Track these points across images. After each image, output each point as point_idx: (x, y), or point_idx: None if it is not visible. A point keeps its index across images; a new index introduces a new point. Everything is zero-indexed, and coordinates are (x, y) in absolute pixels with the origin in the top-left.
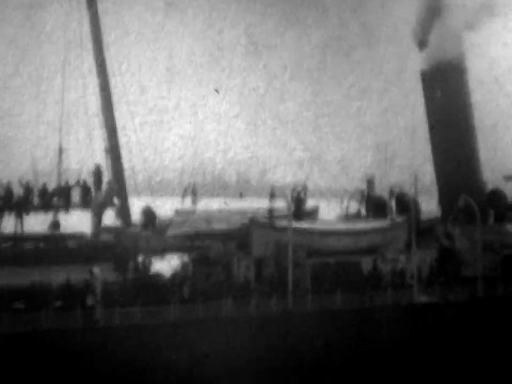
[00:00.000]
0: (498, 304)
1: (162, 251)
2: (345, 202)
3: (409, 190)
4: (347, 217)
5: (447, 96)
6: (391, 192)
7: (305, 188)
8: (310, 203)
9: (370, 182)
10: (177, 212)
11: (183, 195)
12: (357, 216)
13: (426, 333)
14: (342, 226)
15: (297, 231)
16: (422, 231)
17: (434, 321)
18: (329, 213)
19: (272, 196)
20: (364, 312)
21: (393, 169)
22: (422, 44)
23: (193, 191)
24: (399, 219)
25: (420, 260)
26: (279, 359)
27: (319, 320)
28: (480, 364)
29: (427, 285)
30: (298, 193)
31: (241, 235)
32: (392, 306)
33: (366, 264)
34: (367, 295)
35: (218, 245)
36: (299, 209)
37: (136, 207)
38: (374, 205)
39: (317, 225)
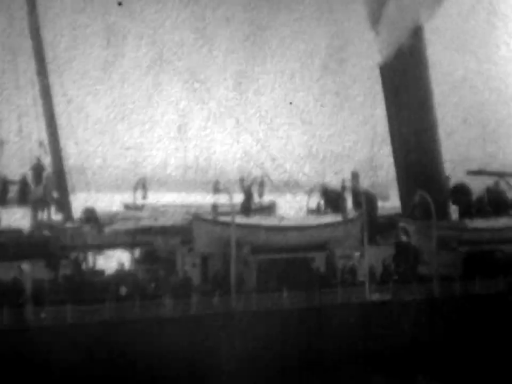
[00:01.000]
0: (453, 305)
1: (101, 247)
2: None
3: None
4: (309, 212)
5: (406, 88)
6: (343, 187)
7: (261, 182)
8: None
9: (354, 176)
10: (126, 207)
11: (134, 189)
12: (317, 211)
13: (375, 332)
14: (291, 221)
15: (242, 226)
16: (381, 227)
17: (384, 320)
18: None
19: (216, 190)
20: (311, 311)
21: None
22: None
23: (143, 185)
24: (351, 214)
25: (376, 257)
26: (215, 361)
27: (262, 319)
28: (430, 366)
29: (381, 283)
30: (248, 187)
31: (185, 231)
32: (342, 305)
33: (319, 261)
34: (317, 293)
35: (162, 240)
36: (248, 204)
37: (84, 202)
38: (334, 200)
39: (263, 221)
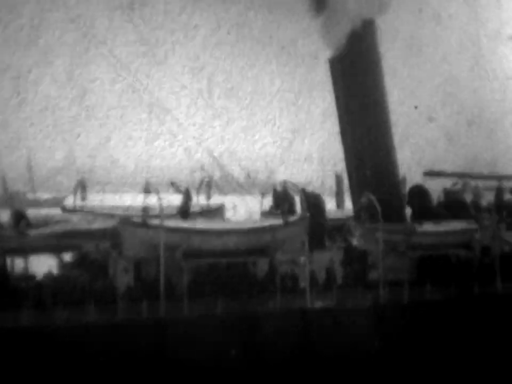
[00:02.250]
0: (399, 311)
1: (23, 251)
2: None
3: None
4: (262, 214)
5: (357, 84)
6: (285, 189)
7: (209, 183)
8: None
9: (338, 177)
10: (63, 209)
11: (74, 191)
12: (269, 213)
13: (314, 340)
14: (233, 225)
15: (173, 230)
16: (332, 231)
17: (325, 328)
18: None
19: (146, 191)
20: (245, 319)
21: None
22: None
23: (83, 186)
24: (294, 217)
25: (324, 262)
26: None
27: (191, 327)
28: (371, 376)
29: (325, 289)
30: (187, 189)
31: (115, 234)
32: (280, 312)
33: (262, 266)
34: (253, 300)
35: (92, 244)
36: (186, 206)
37: None
38: (286, 202)
39: (199, 224)
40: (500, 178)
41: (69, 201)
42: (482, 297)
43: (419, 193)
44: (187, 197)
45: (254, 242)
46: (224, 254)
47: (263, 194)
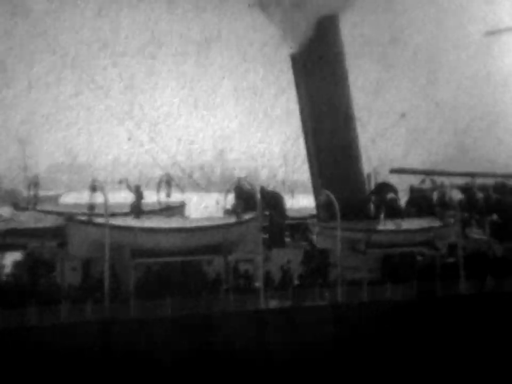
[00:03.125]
0: (356, 310)
1: None
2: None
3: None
4: (225, 212)
5: (320, 80)
6: (238, 187)
7: (168, 182)
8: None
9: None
10: (15, 207)
11: (28, 188)
12: (231, 212)
13: (268, 340)
14: (180, 223)
15: (119, 228)
16: (291, 229)
17: (279, 327)
18: None
19: (93, 189)
20: (195, 319)
21: None
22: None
23: (34, 185)
24: (247, 216)
25: (283, 261)
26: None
27: (137, 327)
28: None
29: (282, 288)
30: (137, 187)
31: (61, 233)
32: (234, 312)
33: (217, 265)
34: (205, 299)
35: (38, 243)
36: (139, 205)
37: None
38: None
39: (147, 223)
40: (469, 175)
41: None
42: (443, 297)
43: (385, 190)
44: (138, 195)
45: (206, 241)
46: (175, 252)
47: (227, 193)
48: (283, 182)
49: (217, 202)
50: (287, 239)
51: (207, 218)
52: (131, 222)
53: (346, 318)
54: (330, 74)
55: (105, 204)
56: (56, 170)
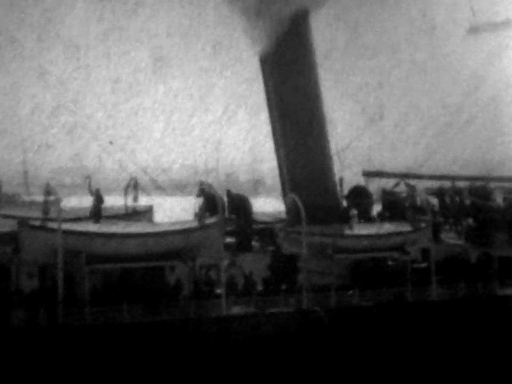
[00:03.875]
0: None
1: None
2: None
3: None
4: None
5: (289, 81)
6: (202, 189)
7: (135, 184)
8: None
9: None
10: None
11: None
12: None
13: (230, 348)
14: (140, 228)
15: (74, 234)
16: (262, 234)
17: (241, 335)
18: None
19: (48, 193)
20: (153, 327)
21: None
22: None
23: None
24: (210, 220)
25: (249, 266)
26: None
27: (93, 336)
28: None
29: (245, 294)
30: (97, 191)
31: (14, 238)
32: (193, 319)
33: (180, 271)
34: (164, 307)
35: None
36: (98, 209)
37: None
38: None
39: (104, 228)
40: (444, 178)
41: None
42: (414, 304)
43: (359, 194)
44: (98, 199)
45: (165, 246)
46: (133, 258)
47: (197, 196)
48: (254, 185)
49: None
50: (257, 244)
51: (170, 223)
52: (88, 227)
53: (312, 325)
54: (300, 74)
55: (58, 209)
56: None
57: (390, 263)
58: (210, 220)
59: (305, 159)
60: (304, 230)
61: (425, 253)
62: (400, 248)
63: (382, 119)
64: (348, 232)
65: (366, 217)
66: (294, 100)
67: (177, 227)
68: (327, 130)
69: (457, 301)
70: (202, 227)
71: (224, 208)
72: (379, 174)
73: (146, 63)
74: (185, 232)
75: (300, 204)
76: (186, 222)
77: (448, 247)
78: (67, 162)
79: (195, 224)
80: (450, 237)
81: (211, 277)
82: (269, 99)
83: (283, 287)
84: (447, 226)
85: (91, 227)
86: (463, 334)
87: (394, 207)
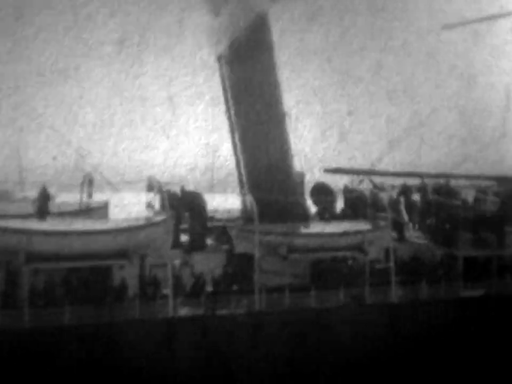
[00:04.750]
0: (276, 319)
1: None
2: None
3: None
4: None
5: (247, 79)
6: (150, 186)
7: (90, 181)
8: None
9: None
10: None
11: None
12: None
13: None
14: (87, 225)
15: (14, 231)
16: (217, 232)
17: (187, 337)
18: None
19: None
20: (96, 328)
21: None
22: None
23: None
24: (157, 217)
25: (204, 266)
26: None
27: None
28: None
29: (194, 294)
30: (44, 189)
31: None
32: (139, 320)
33: (130, 270)
34: (108, 308)
35: None
36: (44, 206)
37: None
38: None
39: (46, 225)
40: (410, 175)
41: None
42: (372, 306)
43: (322, 191)
44: (44, 196)
45: (110, 244)
46: (77, 257)
47: (147, 192)
48: (211, 182)
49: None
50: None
51: (121, 220)
52: (30, 224)
53: (264, 327)
54: (259, 73)
55: None
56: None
57: (350, 263)
58: (158, 218)
59: (264, 156)
60: (257, 229)
61: (393, 252)
62: (359, 247)
63: (350, 115)
64: (303, 230)
65: (328, 215)
66: (252, 97)
67: (123, 224)
68: (287, 128)
69: (418, 303)
70: (148, 225)
71: (174, 205)
72: (340, 171)
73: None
74: (130, 230)
75: (253, 201)
76: (137, 219)
77: (413, 247)
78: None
79: (142, 221)
80: (416, 236)
81: (156, 277)
82: (226, 96)
83: (236, 288)
84: (413, 225)
85: (35, 224)
86: (422, 337)
87: (355, 205)
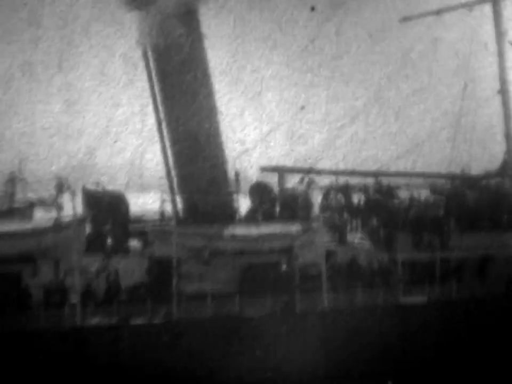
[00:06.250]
0: (197, 328)
1: None
2: None
3: None
4: None
5: (177, 75)
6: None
7: (13, 179)
8: None
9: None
10: None
11: None
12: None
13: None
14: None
15: None
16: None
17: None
18: None
19: None
20: None
21: None
22: None
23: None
24: (68, 219)
25: (123, 271)
26: None
27: None
28: None
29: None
30: None
31: None
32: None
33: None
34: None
35: None
36: None
37: None
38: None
39: None
40: (354, 174)
41: None
42: (302, 314)
43: (261, 190)
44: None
45: (12, 249)
46: None
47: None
48: (140, 181)
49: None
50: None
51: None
52: None
53: (182, 336)
54: (188, 70)
55: None
56: None
57: (283, 268)
58: (68, 220)
59: (193, 154)
60: (176, 231)
61: (329, 256)
62: (288, 251)
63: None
64: (227, 233)
65: (263, 216)
66: (180, 92)
67: (25, 227)
68: (219, 124)
69: (352, 310)
70: (54, 227)
71: (93, 206)
72: (277, 170)
73: None
74: (34, 233)
75: (172, 202)
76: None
77: (352, 250)
78: None
79: (47, 224)
80: (358, 239)
81: (64, 283)
82: (153, 92)
83: (154, 295)
84: (355, 227)
85: None
86: (354, 346)
87: (288, 206)
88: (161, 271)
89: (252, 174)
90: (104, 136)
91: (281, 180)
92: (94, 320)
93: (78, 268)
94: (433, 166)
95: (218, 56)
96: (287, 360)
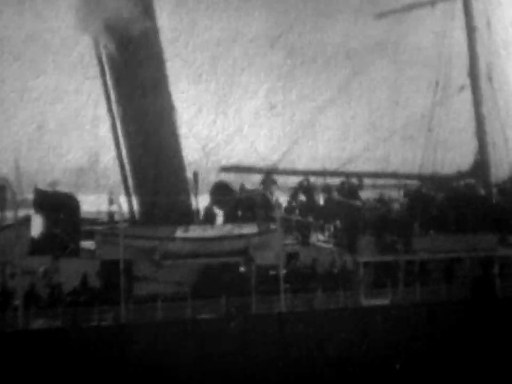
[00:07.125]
0: (145, 332)
1: None
2: None
3: None
4: None
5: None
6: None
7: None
8: None
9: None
10: None
11: None
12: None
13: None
14: None
15: None
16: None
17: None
18: None
19: None
20: None
21: None
22: None
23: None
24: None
25: (75, 273)
26: None
27: None
28: None
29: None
30: None
31: None
32: None
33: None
34: None
35: None
36: None
37: None
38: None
39: None
40: (317, 174)
41: None
42: (256, 316)
43: (223, 191)
44: None
45: None
46: None
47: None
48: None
49: None
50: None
51: None
52: None
53: (129, 341)
54: (144, 67)
55: None
56: None
57: (241, 270)
58: (10, 221)
59: (149, 154)
60: (122, 232)
61: (291, 257)
62: (243, 252)
63: (272, 108)
64: (179, 234)
65: (227, 216)
66: (135, 90)
67: None
68: (175, 123)
69: (310, 313)
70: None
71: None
72: (238, 169)
73: None
74: None
75: (118, 203)
76: None
77: (315, 251)
78: None
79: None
80: (323, 240)
81: (6, 287)
82: (106, 90)
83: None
84: (320, 228)
85: None
86: (312, 349)
87: (246, 206)
88: (110, 273)
89: (212, 174)
90: (57, 136)
91: (241, 180)
92: (37, 323)
93: (20, 270)
94: (405, 165)
95: (178, 52)
96: (239, 362)
